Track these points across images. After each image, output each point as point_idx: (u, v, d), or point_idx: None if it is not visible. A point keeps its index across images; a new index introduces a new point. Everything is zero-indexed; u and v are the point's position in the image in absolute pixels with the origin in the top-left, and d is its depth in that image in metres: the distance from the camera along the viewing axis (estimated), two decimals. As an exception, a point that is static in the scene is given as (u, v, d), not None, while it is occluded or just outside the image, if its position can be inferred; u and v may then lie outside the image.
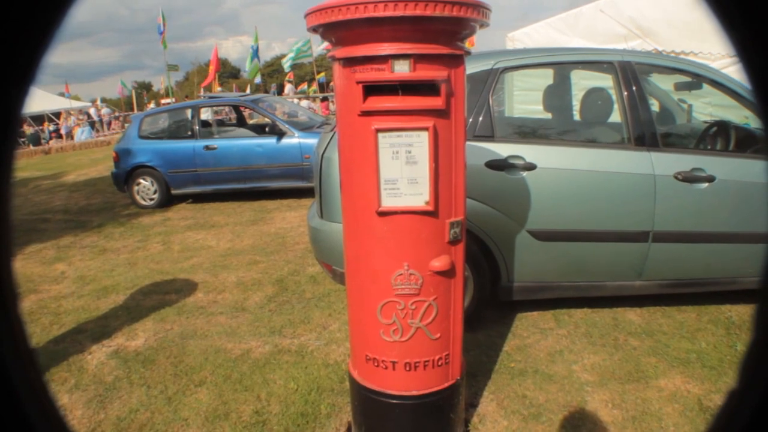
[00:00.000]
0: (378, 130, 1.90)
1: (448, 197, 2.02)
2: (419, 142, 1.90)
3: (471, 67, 3.48)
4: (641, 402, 2.87)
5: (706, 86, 3.88)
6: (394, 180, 1.95)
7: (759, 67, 0.42)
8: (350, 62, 1.91)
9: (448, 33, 1.88)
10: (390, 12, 1.71)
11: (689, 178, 3.42)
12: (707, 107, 5.51)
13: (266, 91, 29.04)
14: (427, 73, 1.85)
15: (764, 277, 0.48)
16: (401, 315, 2.12)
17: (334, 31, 1.92)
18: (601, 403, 2.87)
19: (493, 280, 3.57)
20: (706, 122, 4.40)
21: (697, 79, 3.84)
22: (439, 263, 2.07)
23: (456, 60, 1.91)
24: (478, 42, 17.74)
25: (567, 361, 3.27)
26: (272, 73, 53.24)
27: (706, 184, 3.44)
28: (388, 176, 1.95)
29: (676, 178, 3.41)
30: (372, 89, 1.89)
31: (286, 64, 23.49)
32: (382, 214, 2.01)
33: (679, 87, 4.40)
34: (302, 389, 3.12)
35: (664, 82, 4.53)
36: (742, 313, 3.81)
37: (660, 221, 3.45)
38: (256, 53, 22.20)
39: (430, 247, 2.05)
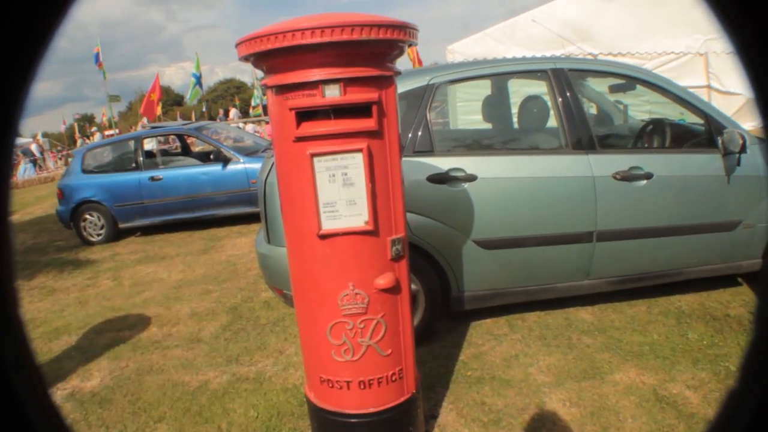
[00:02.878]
0: (313, 155, 1.92)
1: (387, 215, 2.06)
2: (354, 164, 1.93)
3: (407, 84, 3.55)
4: (598, 398, 2.94)
5: (639, 87, 4.02)
6: (332, 203, 1.98)
7: (759, 68, 0.42)
8: (282, 89, 1.93)
9: (376, 55, 1.92)
10: (317, 39, 1.74)
11: (628, 176, 3.53)
12: (646, 105, 5.70)
13: (212, 118, 28.74)
14: (357, 95, 1.89)
15: (764, 277, 0.48)
16: (351, 334, 2.14)
17: (265, 59, 1.94)
18: (558, 402, 2.93)
19: (444, 292, 3.61)
20: (642, 121, 4.56)
21: (628, 80, 3.99)
22: (384, 281, 2.09)
23: (386, 81, 1.96)
24: (421, 54, 17.96)
25: (523, 365, 3.33)
26: (216, 98, 52.82)
27: (644, 181, 3.56)
28: (327, 199, 1.97)
29: (614, 177, 3.52)
30: (305, 115, 1.92)
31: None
32: (324, 236, 2.03)
33: (614, 89, 4.55)
34: (263, 416, 3.09)
35: (599, 85, 4.68)
36: (691, 302, 3.95)
37: (603, 221, 3.55)
38: (198, 80, 21.97)
39: (373, 265, 2.08)
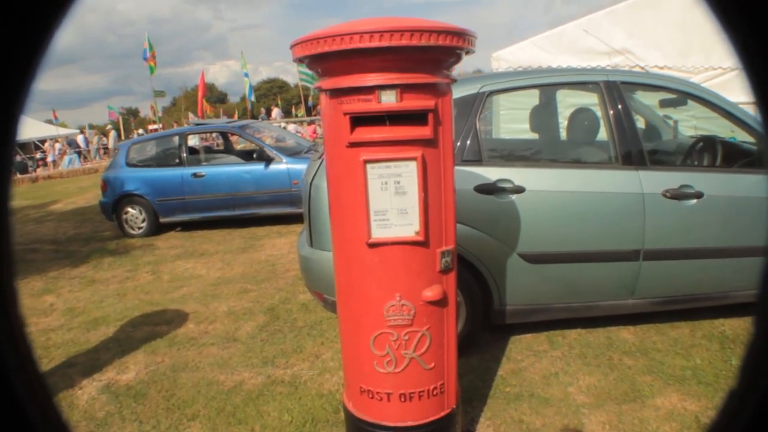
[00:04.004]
0: (366, 161, 1.89)
1: (438, 227, 2.02)
2: (408, 173, 1.89)
3: (457, 92, 3.49)
4: (638, 422, 2.85)
5: (690, 102, 3.91)
6: (383, 211, 1.94)
7: (760, 69, 0.42)
8: (337, 93, 1.91)
9: (434, 62, 1.89)
10: (376, 43, 1.71)
11: (677, 195, 3.44)
12: (692, 120, 5.55)
13: (254, 117, 29.10)
14: (414, 102, 1.85)
15: (764, 278, 0.47)
16: (395, 346, 2.10)
17: (320, 62, 1.92)
18: (598, 425, 2.85)
19: (486, 305, 3.55)
20: (692, 137, 4.44)
21: (681, 95, 3.88)
22: (432, 293, 2.05)
23: (443, 89, 1.92)
24: (464, 61, 17.88)
25: (562, 384, 3.25)
26: (259, 97, 53.41)
27: (694, 201, 3.46)
28: (378, 207, 1.94)
29: (664, 195, 3.43)
30: (359, 120, 1.89)
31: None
32: (373, 245, 2.00)
33: (664, 104, 4.44)
34: (297, 421, 3.07)
35: (648, 99, 4.57)
36: (736, 327, 3.81)
37: (650, 239, 3.46)
38: (247, 77, 22.36)
39: (421, 277, 2.04)
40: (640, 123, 4.63)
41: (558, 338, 3.80)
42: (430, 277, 2.06)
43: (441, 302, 2.10)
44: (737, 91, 9.91)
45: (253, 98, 23.63)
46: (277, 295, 5.26)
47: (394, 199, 1.93)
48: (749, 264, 3.60)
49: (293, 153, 8.59)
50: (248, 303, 5.11)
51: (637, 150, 3.54)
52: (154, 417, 3.26)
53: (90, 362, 4.10)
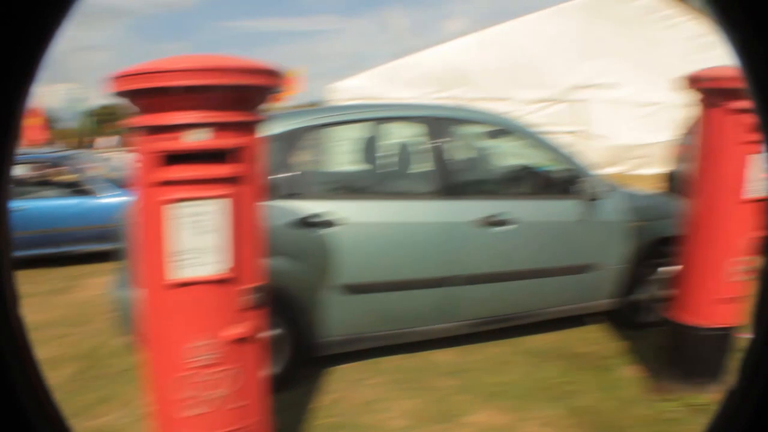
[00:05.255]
0: (172, 200, 1.87)
1: (243, 264, 2.01)
2: (214, 211, 1.89)
3: (281, 126, 3.55)
4: (453, 440, 3.01)
5: (510, 134, 4.29)
6: (189, 250, 1.91)
7: (760, 70, 0.43)
8: (146, 131, 1.87)
9: (243, 100, 1.91)
10: (185, 81, 1.72)
11: (489, 222, 3.73)
12: (522, 150, 6.03)
13: (81, 145, 27.03)
14: (221, 141, 1.87)
15: (763, 278, 0.50)
16: (201, 387, 2.05)
17: (133, 98, 1.89)
18: (415, 447, 2.97)
19: (305, 338, 3.59)
20: (509, 167, 4.82)
21: (498, 128, 4.24)
22: (238, 331, 2.04)
23: (251, 127, 1.96)
24: (309, 90, 18.03)
25: (383, 410, 3.35)
26: (98, 122, 49.46)
27: (506, 227, 3.77)
28: (183, 246, 1.91)
29: (476, 223, 3.71)
30: (167, 158, 1.86)
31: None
32: (178, 285, 1.95)
33: (490, 135, 4.79)
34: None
35: (476, 131, 4.92)
36: (549, 341, 4.20)
37: (464, 265, 3.72)
38: (81, 103, 20.71)
39: (228, 315, 2.02)
40: (461, 154, 4.98)
41: (379, 365, 3.91)
42: (237, 315, 2.05)
43: (248, 340, 2.09)
44: (562, 120, 11.00)
45: (80, 124, 21.92)
46: (98, 337, 4.89)
47: (199, 237, 1.91)
48: (557, 283, 3.99)
49: (116, 186, 8.08)
50: (64, 348, 4.69)
51: (451, 181, 3.80)
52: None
53: None
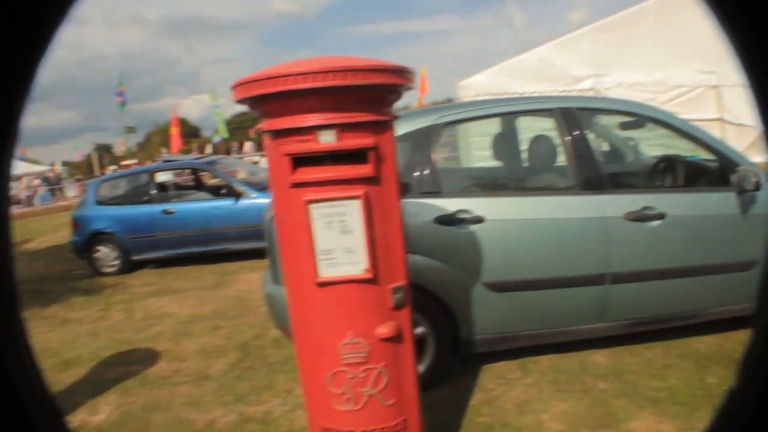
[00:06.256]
0: (309, 201, 1.87)
1: (387, 263, 1.99)
2: (351, 211, 1.88)
3: (414, 124, 3.51)
4: (613, 448, 2.81)
5: (652, 123, 3.94)
6: (330, 250, 1.92)
7: (759, 70, 0.41)
8: (277, 134, 1.89)
9: (371, 100, 1.88)
10: (309, 84, 1.70)
11: (640, 217, 3.44)
12: (661, 139, 5.61)
13: (228, 151, 29.03)
14: (353, 141, 1.84)
15: (763, 278, 0.48)
16: (352, 384, 2.06)
17: (259, 104, 1.91)
18: (571, 453, 2.80)
19: (454, 336, 3.52)
20: (654, 158, 4.47)
21: (637, 118, 3.91)
22: (385, 330, 2.02)
23: (383, 126, 1.91)
24: (433, 90, 18.24)
25: (535, 411, 3.20)
26: (232, 131, 53.30)
27: (657, 222, 3.46)
28: (324, 246, 1.92)
29: (626, 218, 3.43)
30: (300, 160, 1.88)
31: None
32: (322, 284, 1.97)
33: (624, 126, 4.47)
34: (266, 461, 3.00)
35: (610, 122, 4.61)
36: (710, 344, 3.80)
37: (616, 262, 3.46)
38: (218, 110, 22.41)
39: (373, 314, 2.01)
40: (602, 147, 4.67)
41: (530, 365, 3.76)
42: (383, 314, 2.03)
43: (395, 338, 2.07)
44: (704, 108, 10.12)
45: (226, 134, 23.63)
46: (249, 331, 5.18)
47: (340, 237, 1.91)
48: (717, 282, 3.61)
49: (264, 187, 8.53)
50: (220, 340, 5.03)
51: (596, 174, 3.55)
52: (123, 461, 3.18)
53: (61, 404, 3.98)
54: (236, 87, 1.89)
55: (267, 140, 1.96)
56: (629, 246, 3.47)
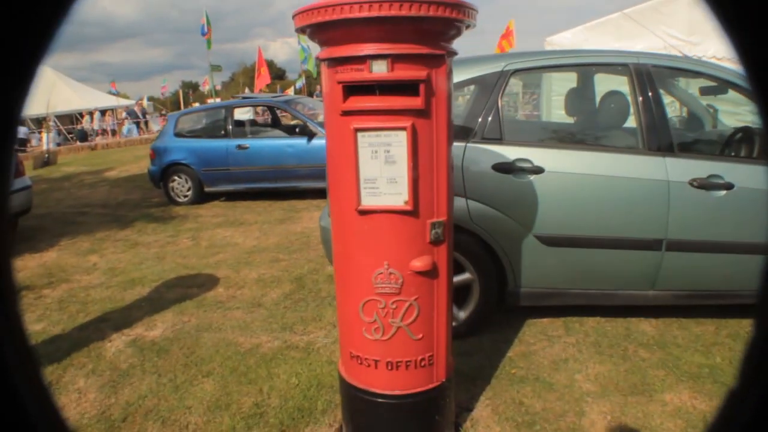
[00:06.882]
0: (357, 130, 1.92)
1: (429, 197, 2.02)
2: (398, 142, 1.91)
3: (480, 69, 3.48)
4: (642, 416, 2.79)
5: (732, 91, 3.74)
6: (373, 179, 1.97)
7: (759, 69, 0.42)
8: (332, 63, 1.94)
9: (428, 33, 1.88)
10: (365, 13, 1.73)
11: (705, 185, 3.31)
12: (739, 109, 5.31)
13: (311, 94, 29.26)
14: (404, 72, 1.86)
15: (764, 277, 0.47)
16: (382, 314, 2.13)
17: (318, 32, 1.95)
18: (599, 414, 2.81)
19: (500, 285, 3.53)
20: (732, 128, 4.26)
21: (721, 83, 3.72)
22: (420, 263, 2.07)
23: (436, 60, 1.91)
24: (522, 45, 17.72)
25: (570, 370, 3.22)
26: (319, 74, 53.54)
27: (724, 192, 3.32)
28: (368, 175, 1.97)
29: (691, 184, 3.31)
30: (353, 89, 1.92)
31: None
32: (363, 212, 2.03)
33: (704, 91, 4.26)
34: (303, 385, 3.16)
35: (691, 87, 4.41)
36: (766, 328, 3.67)
37: (674, 229, 3.35)
38: (308, 51, 22.40)
39: (410, 246, 2.06)
40: (677, 109, 4.47)
41: (575, 325, 3.76)
42: (419, 248, 2.07)
43: (430, 273, 2.11)
44: None
45: (314, 72, 23.69)
46: (307, 265, 5.37)
47: (384, 167, 1.95)
48: None
49: None
50: (278, 272, 5.24)
51: (665, 137, 3.42)
52: (171, 371, 3.41)
53: (122, 318, 4.31)
54: (296, 15, 1.93)
55: (323, 69, 2.01)
56: (690, 214, 3.34)
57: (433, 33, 1.90)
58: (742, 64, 0.42)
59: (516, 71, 3.52)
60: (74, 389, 3.30)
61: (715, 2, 0.42)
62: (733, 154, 3.80)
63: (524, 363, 3.31)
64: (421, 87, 1.88)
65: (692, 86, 4.47)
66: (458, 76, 3.45)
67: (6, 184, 0.45)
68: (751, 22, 0.40)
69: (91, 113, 28.25)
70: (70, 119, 28.38)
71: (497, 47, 16.55)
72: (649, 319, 3.80)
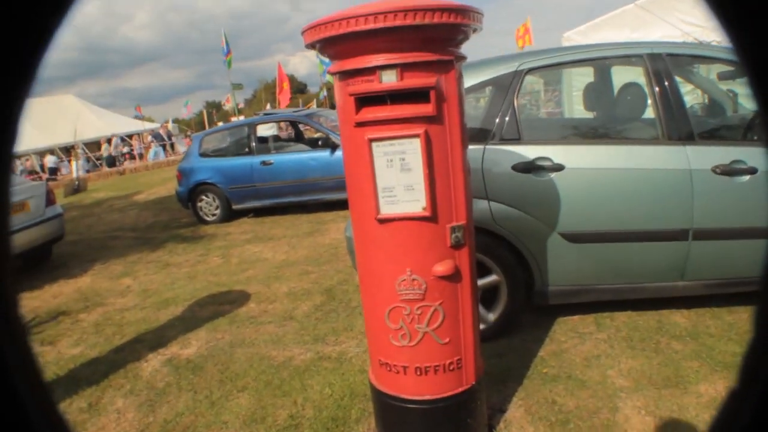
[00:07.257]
0: (371, 140, 1.95)
1: (446, 202, 2.05)
2: (412, 149, 1.94)
3: (495, 71, 3.49)
4: (677, 408, 2.76)
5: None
6: (390, 188, 2.00)
7: (759, 68, 0.42)
8: (343, 75, 1.98)
9: (434, 40, 1.91)
10: (371, 25, 1.77)
11: (728, 171, 3.26)
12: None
13: (332, 106, 29.46)
14: (414, 81, 1.89)
15: (764, 276, 0.48)
16: (408, 320, 2.15)
17: (327, 47, 2.00)
18: (633, 409, 2.79)
19: (528, 285, 3.53)
20: (753, 112, 4.19)
21: (737, 67, 3.67)
22: (442, 268, 2.09)
23: (445, 66, 1.94)
24: (539, 42, 17.62)
25: (603, 366, 3.19)
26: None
27: (747, 177, 3.28)
28: (385, 184, 2.00)
29: (714, 171, 3.27)
30: (365, 100, 1.95)
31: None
32: (382, 221, 2.06)
33: (723, 77, 4.21)
34: (336, 394, 3.19)
35: (709, 73, 4.36)
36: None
37: (700, 218, 3.31)
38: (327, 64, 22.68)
39: (431, 252, 2.08)
40: (695, 96, 4.41)
41: (606, 320, 3.73)
42: (441, 252, 2.09)
43: (453, 277, 2.13)
44: None
45: (328, 81, 23.98)
46: (336, 276, 5.41)
47: (400, 176, 1.98)
48: None
49: None
50: (308, 284, 5.30)
51: (684, 125, 3.38)
52: (207, 388, 3.47)
53: (157, 338, 4.40)
54: (305, 31, 1.98)
55: (336, 82, 2.05)
56: (715, 201, 3.30)
57: (440, 40, 1.93)
58: (741, 64, 0.42)
59: (530, 70, 3.52)
60: (113, 410, 3.38)
61: (715, 2, 0.42)
62: (755, 138, 3.74)
63: (556, 361, 3.30)
64: (432, 94, 1.91)
65: (712, 72, 4.40)
66: (473, 79, 3.47)
67: (6, 184, 0.45)
68: (751, 22, 0.40)
69: (108, 140, 28.73)
70: (97, 146, 28.99)
71: (518, 43, 16.55)
72: (681, 310, 3.75)
